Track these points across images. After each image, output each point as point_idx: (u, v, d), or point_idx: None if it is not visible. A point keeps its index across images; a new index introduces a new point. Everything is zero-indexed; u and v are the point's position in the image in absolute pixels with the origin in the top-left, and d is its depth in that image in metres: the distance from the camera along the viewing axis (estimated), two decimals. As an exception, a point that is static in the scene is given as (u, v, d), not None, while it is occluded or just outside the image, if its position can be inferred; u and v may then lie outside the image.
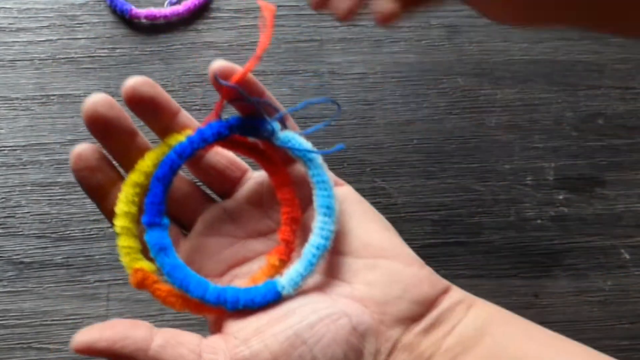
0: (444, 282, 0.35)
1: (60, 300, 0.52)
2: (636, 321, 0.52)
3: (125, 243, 0.32)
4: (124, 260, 0.33)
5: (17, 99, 0.58)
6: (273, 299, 0.32)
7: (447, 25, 0.62)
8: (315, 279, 0.34)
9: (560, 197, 0.56)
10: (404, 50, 0.61)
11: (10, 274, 0.52)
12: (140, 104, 0.33)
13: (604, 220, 0.56)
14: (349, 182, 0.36)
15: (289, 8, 0.62)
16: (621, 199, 0.56)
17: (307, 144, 0.34)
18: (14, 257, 0.53)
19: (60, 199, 0.55)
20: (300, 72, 0.59)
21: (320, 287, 0.34)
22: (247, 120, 0.34)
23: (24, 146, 0.56)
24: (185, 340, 0.31)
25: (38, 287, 0.52)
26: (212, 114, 0.35)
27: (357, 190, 0.36)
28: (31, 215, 0.54)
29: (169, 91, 0.60)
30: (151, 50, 0.60)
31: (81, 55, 0.59)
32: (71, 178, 0.55)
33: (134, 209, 0.33)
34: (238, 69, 0.33)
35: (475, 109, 0.59)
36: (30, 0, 0.61)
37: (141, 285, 0.32)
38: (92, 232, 0.54)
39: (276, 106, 0.35)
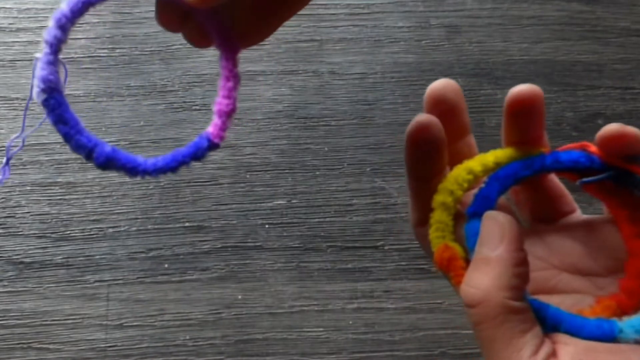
0: None
1: (60, 300, 0.52)
2: (636, 321, 0.52)
3: (439, 217, 0.31)
4: (434, 234, 0.31)
5: (17, 99, 0.58)
6: (602, 338, 0.29)
7: (447, 26, 0.62)
8: None
9: (560, 197, 0.56)
10: (403, 50, 0.61)
11: (10, 274, 0.52)
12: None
13: (603, 220, 0.56)
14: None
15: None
16: (621, 199, 0.56)
17: None
18: (14, 257, 0.53)
19: (60, 199, 0.55)
20: (300, 72, 0.59)
21: None
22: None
23: (24, 146, 0.56)
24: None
25: (38, 287, 0.52)
26: (576, 144, 0.33)
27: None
28: (31, 215, 0.54)
29: (168, 91, 0.60)
30: (151, 50, 0.60)
31: (81, 55, 0.59)
32: (71, 178, 0.55)
33: (458, 192, 0.31)
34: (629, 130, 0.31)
35: (475, 109, 0.58)
36: (31, 0, 0.61)
37: (444, 263, 0.30)
38: (92, 232, 0.54)
39: None
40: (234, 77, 0.27)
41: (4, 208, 0.54)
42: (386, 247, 0.54)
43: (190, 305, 0.52)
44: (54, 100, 0.24)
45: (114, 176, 0.55)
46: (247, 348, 0.51)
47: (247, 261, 0.54)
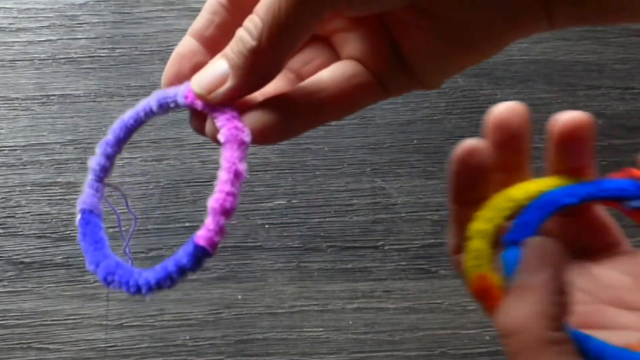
0: None
1: (60, 300, 0.52)
2: (636, 321, 0.52)
3: (476, 246, 0.30)
4: (470, 263, 0.30)
5: (17, 99, 0.58)
6: None
7: (447, 25, 0.62)
8: None
9: (560, 197, 0.56)
10: (404, 50, 0.61)
11: (10, 274, 0.52)
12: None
13: (603, 220, 0.56)
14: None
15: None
16: (621, 199, 0.56)
17: None
18: (14, 257, 0.53)
19: (60, 199, 0.55)
20: (300, 72, 0.59)
21: None
22: None
23: (24, 146, 0.56)
24: None
25: (38, 287, 0.52)
26: (624, 172, 0.32)
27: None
28: (31, 215, 0.54)
29: (169, 91, 0.60)
30: (151, 50, 0.60)
31: (81, 55, 0.59)
32: (71, 178, 0.55)
33: (498, 220, 0.30)
34: None
35: (475, 109, 0.58)
36: (31, 0, 0.61)
37: (480, 292, 0.30)
38: (92, 232, 0.54)
39: None
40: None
41: (4, 208, 0.54)
42: (386, 247, 0.54)
43: (190, 305, 0.52)
44: (84, 220, 0.26)
45: (113, 176, 0.55)
46: (247, 348, 0.51)
47: (247, 261, 0.54)
